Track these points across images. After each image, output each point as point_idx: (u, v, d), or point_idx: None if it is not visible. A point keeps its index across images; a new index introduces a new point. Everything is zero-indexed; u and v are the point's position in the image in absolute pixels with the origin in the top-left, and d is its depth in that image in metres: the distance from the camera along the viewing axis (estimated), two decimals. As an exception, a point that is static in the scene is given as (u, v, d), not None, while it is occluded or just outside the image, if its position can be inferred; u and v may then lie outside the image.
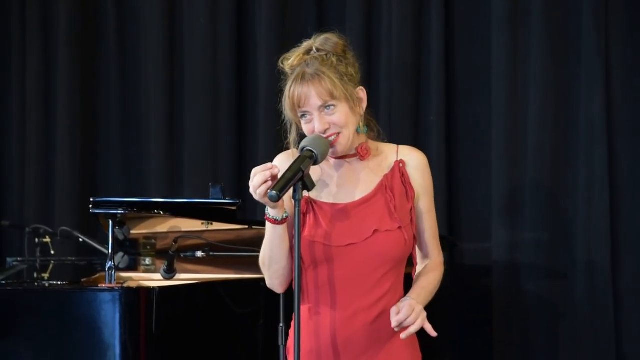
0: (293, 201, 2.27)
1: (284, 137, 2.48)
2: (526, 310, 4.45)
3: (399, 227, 2.38)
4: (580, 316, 4.38)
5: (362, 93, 2.43)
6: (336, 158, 2.45)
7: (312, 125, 2.37)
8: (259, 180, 2.26)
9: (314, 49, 2.41)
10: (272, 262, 2.41)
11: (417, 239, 2.49)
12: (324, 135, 2.36)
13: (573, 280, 4.40)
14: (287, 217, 2.35)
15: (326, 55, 2.40)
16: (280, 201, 2.29)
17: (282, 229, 2.37)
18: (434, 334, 2.34)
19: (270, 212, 2.34)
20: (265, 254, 2.42)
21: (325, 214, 2.41)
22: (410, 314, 2.31)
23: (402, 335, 2.31)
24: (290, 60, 2.42)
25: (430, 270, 2.49)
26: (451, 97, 4.67)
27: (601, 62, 4.36)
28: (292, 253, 2.40)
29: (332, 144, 2.37)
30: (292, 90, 2.38)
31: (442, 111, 4.63)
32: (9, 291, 3.64)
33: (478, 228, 4.60)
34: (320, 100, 2.35)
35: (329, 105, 2.36)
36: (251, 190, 2.27)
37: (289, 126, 2.46)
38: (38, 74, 5.32)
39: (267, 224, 2.36)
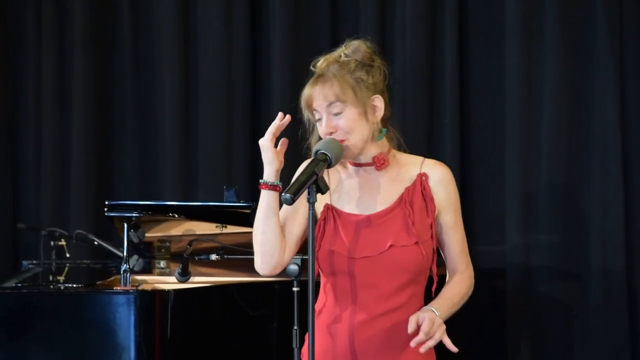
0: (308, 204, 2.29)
1: (301, 138, 2.49)
2: (540, 313, 4.44)
3: (416, 243, 2.38)
4: (594, 318, 4.36)
5: (377, 101, 2.42)
6: (353, 164, 2.46)
7: (322, 130, 2.40)
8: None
9: (343, 55, 2.43)
10: (258, 232, 2.42)
11: (442, 252, 2.48)
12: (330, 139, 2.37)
13: (588, 283, 4.39)
14: (277, 185, 2.38)
15: (349, 61, 2.41)
16: (280, 165, 2.38)
17: (272, 197, 2.39)
18: (454, 349, 2.34)
19: (264, 174, 2.39)
20: (255, 222, 2.44)
21: (344, 223, 2.42)
22: (430, 328, 2.30)
23: (422, 349, 2.30)
24: (319, 64, 2.45)
25: (456, 283, 2.47)
26: (465, 99, 4.67)
27: (614, 62, 4.35)
28: (281, 234, 2.42)
29: None
30: (304, 90, 2.42)
31: (455, 113, 4.62)
32: (25, 294, 3.66)
33: (492, 230, 4.59)
34: (326, 100, 2.37)
35: (336, 112, 2.37)
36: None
37: (310, 128, 2.48)
38: (53, 76, 5.33)
39: (262, 191, 2.40)
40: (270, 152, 2.39)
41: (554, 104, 4.42)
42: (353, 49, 2.44)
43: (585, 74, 4.43)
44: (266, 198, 2.40)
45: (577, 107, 4.43)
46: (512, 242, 4.47)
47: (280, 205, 2.40)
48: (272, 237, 2.41)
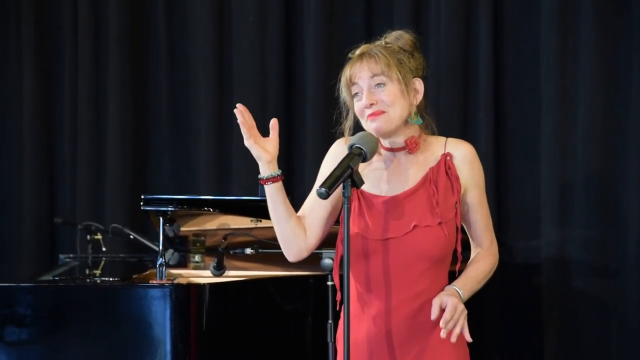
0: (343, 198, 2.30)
1: (335, 123, 2.50)
2: (577, 309, 4.40)
3: (439, 223, 2.38)
4: (632, 314, 4.32)
5: (418, 84, 2.44)
6: (386, 149, 2.45)
7: (362, 103, 2.39)
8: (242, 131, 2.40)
9: (384, 42, 2.45)
10: (274, 225, 2.47)
11: (468, 230, 2.49)
12: (370, 111, 2.38)
13: (624, 278, 4.35)
14: (272, 176, 2.40)
15: (392, 45, 2.44)
16: (269, 157, 2.39)
17: (272, 189, 2.42)
18: (469, 339, 2.34)
19: (259, 169, 2.41)
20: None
21: (369, 205, 2.43)
22: (453, 314, 2.31)
23: (452, 339, 2.31)
24: (359, 50, 2.46)
25: (480, 259, 2.48)
26: (500, 93, 4.64)
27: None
28: (296, 220, 2.45)
29: (372, 119, 2.38)
30: (347, 68, 2.43)
31: (490, 107, 4.60)
32: (62, 287, 3.69)
33: (527, 225, 4.56)
34: (370, 73, 2.38)
35: (379, 84, 2.38)
36: None
37: (344, 113, 2.48)
38: (90, 72, 5.38)
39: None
40: (253, 149, 2.41)
41: (590, 97, 4.39)
42: (396, 36, 2.46)
43: (621, 67, 4.39)
44: (268, 191, 2.44)
45: (613, 100, 4.39)
46: (548, 236, 4.44)
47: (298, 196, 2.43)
48: (285, 225, 2.45)
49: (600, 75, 4.39)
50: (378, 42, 2.45)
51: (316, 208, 2.48)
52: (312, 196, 2.49)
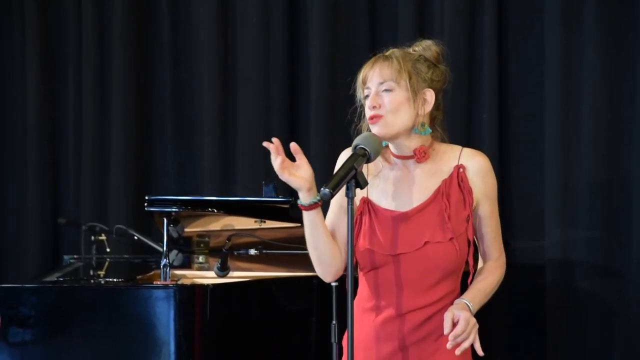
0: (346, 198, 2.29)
1: (349, 123, 2.49)
2: (580, 310, 4.40)
3: (451, 239, 2.37)
4: (635, 316, 4.32)
5: (429, 94, 2.42)
6: (395, 156, 2.45)
7: (367, 105, 2.41)
8: (272, 160, 2.35)
9: (412, 50, 2.46)
10: (311, 248, 2.43)
11: (476, 240, 2.47)
12: (371, 113, 2.38)
13: (628, 279, 4.34)
14: (314, 202, 2.35)
15: (415, 53, 2.44)
16: (308, 184, 2.34)
17: (314, 215, 2.38)
18: (480, 352, 2.34)
19: (300, 197, 2.37)
20: (306, 240, 2.44)
21: (380, 219, 2.42)
22: (465, 328, 2.30)
23: (457, 352, 2.31)
24: (385, 52, 2.46)
25: (489, 272, 2.47)
26: (504, 94, 4.64)
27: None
28: (333, 242, 2.43)
29: (372, 123, 2.38)
30: (362, 69, 2.44)
31: (494, 108, 4.60)
32: (66, 288, 3.70)
33: (531, 226, 4.56)
34: (380, 78, 2.39)
35: (387, 89, 2.38)
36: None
37: (361, 113, 2.48)
38: (93, 73, 5.39)
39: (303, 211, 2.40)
40: (291, 181, 2.36)
41: (594, 98, 4.38)
42: (424, 46, 2.46)
43: (626, 67, 4.38)
44: (307, 217, 2.39)
45: (617, 100, 4.39)
46: (552, 237, 4.44)
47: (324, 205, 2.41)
48: (325, 249, 2.43)
49: (604, 75, 4.38)
50: (406, 47, 2.45)
51: (340, 226, 2.46)
52: (333, 215, 2.49)
